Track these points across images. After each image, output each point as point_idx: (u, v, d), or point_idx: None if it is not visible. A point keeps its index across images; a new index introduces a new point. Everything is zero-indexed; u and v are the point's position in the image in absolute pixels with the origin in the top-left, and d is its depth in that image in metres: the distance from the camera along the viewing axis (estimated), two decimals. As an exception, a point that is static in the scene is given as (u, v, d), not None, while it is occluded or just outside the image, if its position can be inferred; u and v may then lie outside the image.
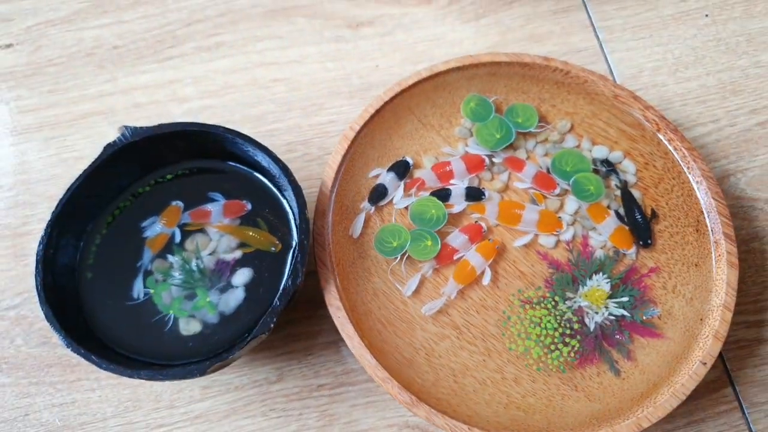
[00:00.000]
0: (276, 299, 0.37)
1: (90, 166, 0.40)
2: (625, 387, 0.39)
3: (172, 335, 0.39)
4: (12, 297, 0.46)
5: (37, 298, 0.44)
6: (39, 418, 0.43)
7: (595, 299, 0.41)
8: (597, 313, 0.41)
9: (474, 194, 0.44)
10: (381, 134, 0.45)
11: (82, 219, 0.41)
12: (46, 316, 0.36)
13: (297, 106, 0.51)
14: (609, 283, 0.41)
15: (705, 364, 0.38)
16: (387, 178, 0.44)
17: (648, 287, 0.42)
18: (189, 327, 0.40)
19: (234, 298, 0.40)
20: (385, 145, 0.45)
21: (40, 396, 0.43)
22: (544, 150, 0.46)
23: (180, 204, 0.42)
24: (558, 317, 0.41)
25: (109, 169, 0.41)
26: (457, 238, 0.43)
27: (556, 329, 0.40)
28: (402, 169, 0.44)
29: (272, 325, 0.36)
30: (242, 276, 0.41)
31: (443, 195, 0.44)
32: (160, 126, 0.41)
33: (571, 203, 0.44)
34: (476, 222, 0.43)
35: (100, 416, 0.43)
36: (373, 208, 0.43)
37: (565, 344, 0.40)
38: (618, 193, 0.44)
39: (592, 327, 0.40)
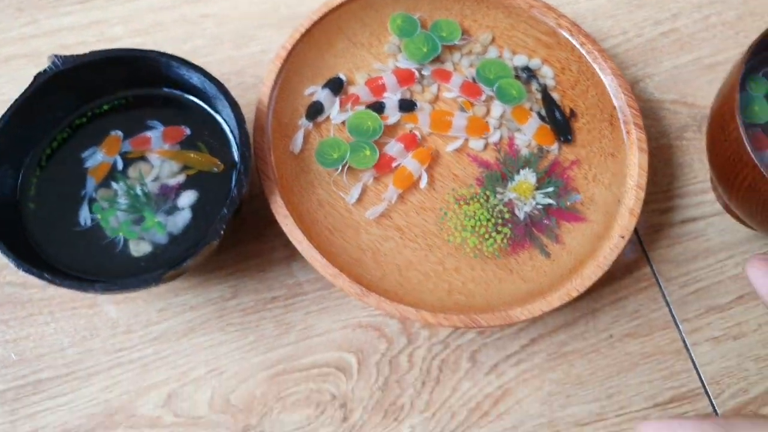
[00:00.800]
0: (224, 208, 0.38)
1: (21, 95, 0.40)
2: (554, 267, 0.43)
3: (124, 257, 0.40)
4: (-48, 242, 0.45)
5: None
6: (-7, 354, 0.43)
7: (523, 191, 0.44)
8: (525, 204, 0.44)
9: (406, 106, 0.46)
10: (313, 53, 0.46)
11: (18, 151, 0.41)
12: None
13: (227, 39, 0.52)
14: (535, 176, 0.45)
15: (623, 237, 0.42)
16: (322, 95, 0.46)
17: (570, 178, 0.45)
18: (139, 248, 0.41)
19: (181, 218, 0.41)
20: (318, 64, 0.47)
21: (-7, 334, 0.43)
22: (468, 61, 0.48)
23: (119, 133, 0.43)
24: (490, 209, 0.44)
25: (42, 99, 0.41)
26: (393, 147, 0.45)
27: (489, 220, 0.44)
28: (336, 86, 0.46)
29: (222, 232, 0.38)
30: (187, 198, 0.42)
31: (378, 108, 0.46)
32: (92, 53, 0.41)
33: (497, 108, 0.47)
34: (410, 131, 0.46)
35: (57, 347, 0.43)
36: (311, 124, 0.45)
37: (498, 232, 0.43)
38: (539, 96, 0.47)
39: (521, 216, 0.44)
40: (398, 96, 0.46)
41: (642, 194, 0.43)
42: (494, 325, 0.39)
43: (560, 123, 0.46)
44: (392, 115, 0.46)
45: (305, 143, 0.45)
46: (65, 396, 0.42)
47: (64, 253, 0.40)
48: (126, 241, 0.40)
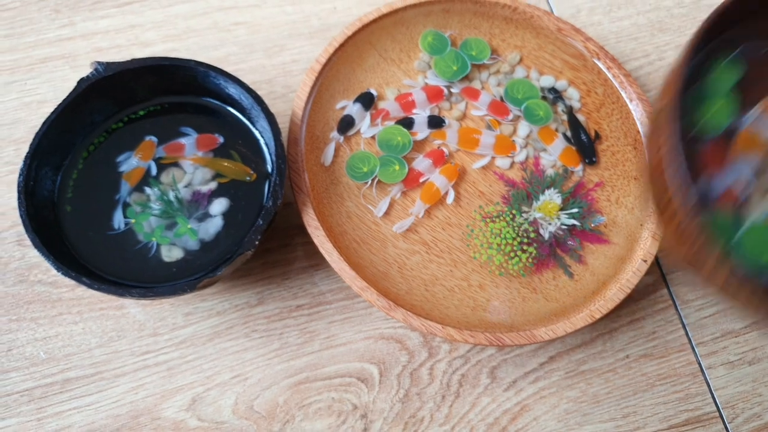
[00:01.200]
0: (259, 219, 0.39)
1: (65, 100, 0.41)
2: (578, 287, 0.44)
3: (156, 262, 0.41)
4: (-17, 240, 0.46)
5: (9, 238, 0.45)
6: (23, 352, 0.43)
7: (548, 211, 0.45)
8: (550, 223, 0.45)
9: (435, 122, 0.47)
10: (345, 68, 0.47)
11: (58, 153, 0.42)
12: (34, 244, 0.37)
13: (259, 47, 0.53)
14: (560, 197, 0.46)
15: (645, 261, 0.43)
16: (354, 109, 0.46)
17: (594, 200, 0.46)
18: (171, 254, 0.41)
19: (213, 225, 0.42)
20: (350, 79, 0.47)
21: (22, 332, 0.44)
22: (496, 81, 0.49)
23: (154, 139, 0.43)
24: (516, 228, 0.45)
25: (83, 104, 0.41)
26: (422, 163, 0.46)
27: (514, 238, 0.44)
28: (367, 100, 0.47)
29: (257, 242, 0.38)
30: (219, 205, 0.43)
31: (407, 123, 0.47)
32: (133, 61, 0.42)
33: (523, 127, 0.48)
34: (439, 147, 0.47)
35: (84, 347, 0.44)
36: (342, 137, 0.46)
37: (523, 251, 0.44)
38: (564, 117, 0.48)
39: (546, 236, 0.45)
40: (427, 112, 0.47)
41: (665, 219, 0.44)
42: (519, 344, 0.40)
43: (585, 145, 0.47)
44: (421, 131, 0.47)
45: (336, 156, 0.45)
46: (91, 396, 0.43)
47: (98, 255, 0.41)
48: (158, 246, 0.41)
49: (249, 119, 0.44)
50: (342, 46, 0.46)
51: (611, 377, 0.46)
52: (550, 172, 0.47)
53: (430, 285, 0.43)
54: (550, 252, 0.44)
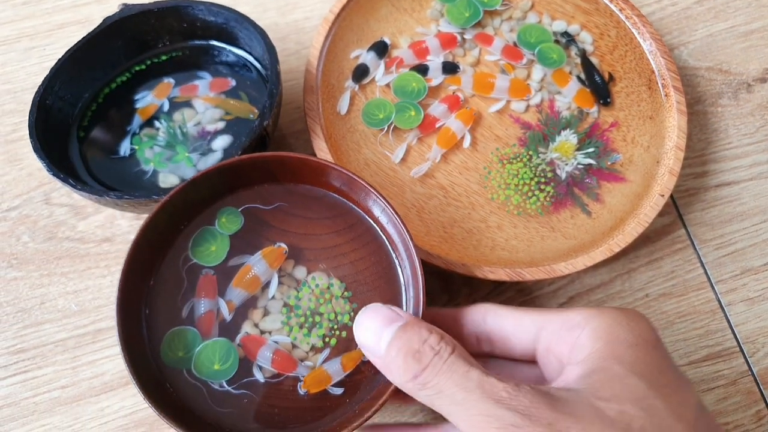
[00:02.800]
0: (243, 136, 0.40)
1: (89, 33, 0.43)
2: (596, 225, 0.44)
3: (151, 185, 0.43)
4: (11, 199, 0.47)
5: (37, 197, 0.46)
6: (55, 305, 0.45)
7: (565, 151, 0.45)
8: (567, 163, 0.45)
9: (450, 68, 0.47)
10: (358, 18, 0.48)
11: (79, 84, 0.44)
12: (34, 148, 0.39)
13: (272, 5, 0.53)
14: (576, 137, 0.46)
15: (663, 195, 0.43)
16: (368, 58, 0.47)
17: (610, 140, 0.46)
18: (167, 180, 0.43)
19: (213, 159, 0.44)
20: (363, 29, 0.48)
21: (53, 286, 0.45)
22: (509, 26, 0.49)
23: (171, 80, 0.45)
24: (533, 168, 0.45)
25: (106, 40, 0.44)
26: (437, 108, 0.46)
27: (531, 179, 0.45)
28: (381, 49, 0.47)
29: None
30: (221, 141, 0.44)
31: (422, 69, 0.47)
32: (155, 3, 0.44)
33: (537, 71, 0.48)
34: (454, 93, 0.47)
35: (113, 299, 0.45)
36: (357, 86, 0.46)
37: (541, 191, 0.45)
38: (578, 61, 0.48)
39: (563, 175, 0.45)
40: (441, 59, 0.48)
41: (681, 155, 0.44)
42: (538, 278, 0.41)
43: (599, 86, 0.47)
44: (436, 77, 0.47)
45: (351, 104, 0.46)
46: (123, 345, 0.44)
47: (99, 175, 0.43)
48: (156, 172, 0.43)
49: (258, 61, 0.45)
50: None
51: (631, 316, 0.46)
52: (565, 114, 0.47)
53: (449, 227, 0.43)
54: (568, 191, 0.45)
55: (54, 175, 0.39)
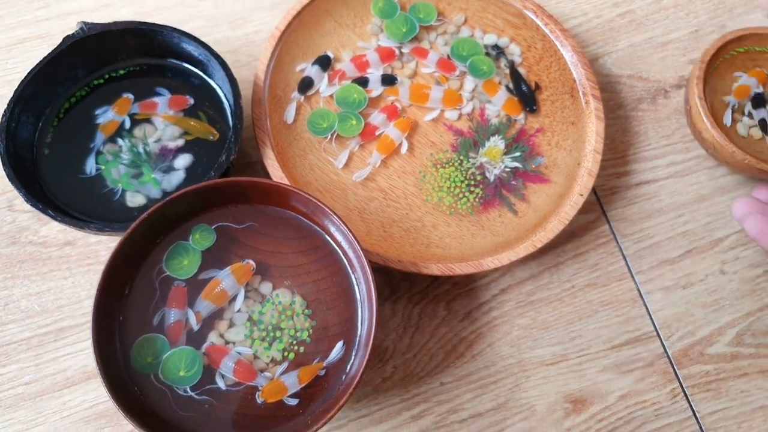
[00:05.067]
0: (211, 171, 0.43)
1: (49, 53, 0.45)
2: (521, 223, 0.48)
3: (119, 205, 0.45)
4: (-25, 207, 0.50)
5: (0, 204, 0.49)
6: (18, 306, 0.47)
7: (493, 155, 0.49)
8: (495, 167, 0.49)
9: (388, 80, 0.51)
10: (303, 34, 0.51)
11: (41, 101, 0.46)
12: (9, 177, 0.42)
13: (224, 20, 0.57)
14: (503, 142, 0.50)
15: (582, 195, 0.48)
16: (312, 71, 0.50)
17: (536, 144, 0.51)
18: (135, 200, 0.46)
19: (176, 178, 0.46)
20: (308, 44, 0.51)
21: (17, 288, 0.48)
22: (443, 40, 0.53)
23: (131, 96, 0.48)
24: (464, 172, 0.49)
25: (66, 59, 0.46)
26: (377, 117, 0.50)
27: (462, 181, 0.49)
28: (325, 62, 0.51)
29: None
30: (183, 160, 0.47)
31: (362, 82, 0.51)
32: (115, 23, 0.46)
33: (469, 82, 0.52)
34: (392, 103, 0.51)
35: (75, 299, 0.48)
36: (302, 97, 0.50)
37: (471, 192, 0.49)
38: (507, 71, 0.53)
39: (492, 178, 0.49)
40: (381, 71, 0.51)
41: (599, 157, 0.49)
42: (467, 272, 0.45)
43: (526, 95, 0.52)
44: (375, 88, 0.51)
45: (297, 114, 0.49)
46: (84, 342, 0.47)
47: (69, 196, 0.45)
48: (124, 191, 0.46)
49: (216, 83, 0.48)
50: (299, 13, 0.50)
51: (558, 306, 0.50)
52: (494, 121, 0.51)
53: (388, 227, 0.47)
54: (496, 192, 0.49)
55: (33, 206, 0.41)
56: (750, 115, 0.52)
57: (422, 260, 0.45)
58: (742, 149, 0.48)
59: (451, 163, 0.49)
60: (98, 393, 0.46)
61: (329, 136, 0.49)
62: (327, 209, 0.41)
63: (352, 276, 0.42)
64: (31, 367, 0.46)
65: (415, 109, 0.51)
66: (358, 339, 0.41)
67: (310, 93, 0.50)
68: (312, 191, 0.47)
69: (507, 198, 0.49)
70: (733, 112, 0.51)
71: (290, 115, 0.49)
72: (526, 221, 0.48)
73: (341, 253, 0.43)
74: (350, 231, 0.40)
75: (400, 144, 0.50)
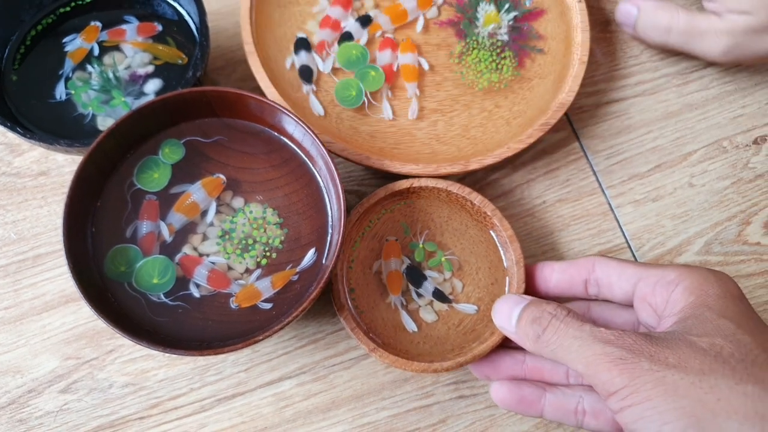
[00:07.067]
0: (179, 87, 0.43)
1: None
2: (552, 60, 0.53)
3: (91, 129, 0.45)
4: (-52, 141, 0.50)
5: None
6: (-5, 234, 0.48)
7: (492, 20, 0.53)
8: (501, 27, 0.53)
9: (364, 20, 0.51)
10: (266, 35, 0.49)
11: (6, 27, 0.46)
12: None
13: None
14: (490, 4, 0.53)
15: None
16: (301, 58, 0.49)
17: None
18: (106, 123, 0.46)
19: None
20: (277, 40, 0.50)
21: (-7, 217, 0.48)
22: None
23: (98, 24, 0.48)
24: (485, 47, 0.52)
25: None
26: (384, 56, 0.51)
27: (491, 54, 0.52)
28: (305, 45, 0.50)
29: None
30: (153, 85, 0.47)
31: (347, 36, 0.51)
32: None
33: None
34: (383, 36, 0.51)
35: (51, 226, 0.48)
36: (313, 85, 0.49)
37: (504, 57, 0.52)
38: None
39: (506, 37, 0.53)
40: (353, 19, 0.51)
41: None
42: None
43: None
44: (361, 35, 0.51)
45: (321, 102, 0.49)
46: (61, 267, 0.47)
47: (40, 121, 0.45)
48: (94, 116, 0.46)
49: (183, 8, 0.48)
50: (253, 20, 0.48)
51: (530, 220, 0.51)
52: None
53: (466, 132, 0.50)
54: (518, 45, 0.52)
55: (1, 124, 0.41)
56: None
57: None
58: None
59: (469, 49, 0.52)
60: (77, 316, 0.46)
61: (365, 101, 0.49)
62: (294, 118, 0.41)
63: (322, 185, 0.43)
64: (10, 292, 0.47)
65: (402, 29, 0.52)
66: (328, 245, 0.42)
67: (315, 78, 0.50)
68: (384, 151, 0.48)
69: (527, 44, 0.52)
70: None
71: (317, 107, 0.48)
72: (552, 57, 0.53)
73: (311, 165, 0.43)
74: (316, 136, 0.41)
75: (420, 64, 0.51)
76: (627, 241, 0.51)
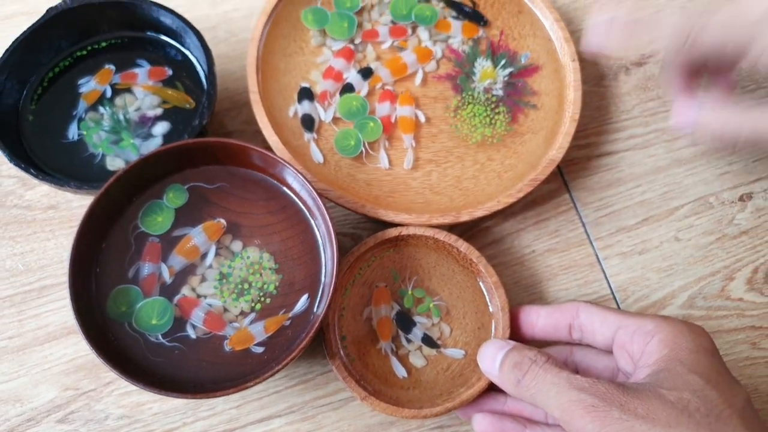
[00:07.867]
0: (185, 134, 0.46)
1: (34, 23, 0.47)
2: (545, 116, 0.55)
3: (100, 169, 0.48)
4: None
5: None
6: (3, 265, 0.50)
7: (488, 75, 0.55)
8: (496, 82, 0.55)
9: (366, 73, 0.54)
10: (272, 84, 0.52)
11: (26, 70, 0.49)
12: None
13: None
14: (486, 60, 0.55)
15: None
16: (305, 108, 0.52)
17: (506, 46, 0.56)
18: (114, 163, 0.48)
19: (153, 144, 0.49)
20: (282, 88, 0.52)
21: (2, 248, 0.50)
22: (380, 12, 0.56)
23: (112, 67, 0.50)
24: (480, 101, 0.54)
25: (50, 30, 0.48)
26: (383, 108, 0.53)
27: (485, 109, 0.54)
28: (308, 95, 0.52)
29: None
30: (161, 127, 0.49)
31: (349, 88, 0.53)
32: None
33: (424, 32, 0.56)
34: (383, 88, 0.54)
35: (57, 259, 0.50)
36: (314, 134, 0.51)
37: (498, 113, 0.54)
38: (443, 5, 0.57)
39: (501, 93, 0.55)
40: (354, 70, 0.54)
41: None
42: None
43: (471, 14, 0.56)
44: (362, 87, 0.53)
45: (321, 151, 0.51)
46: (65, 300, 0.48)
47: (53, 160, 0.47)
48: (104, 156, 0.48)
49: (193, 55, 0.51)
50: (259, 68, 0.51)
51: (519, 269, 0.53)
52: (464, 49, 0.56)
53: (458, 183, 0.52)
54: (512, 100, 0.54)
55: (15, 165, 0.44)
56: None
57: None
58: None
59: (465, 103, 0.54)
60: (78, 347, 0.48)
61: (362, 150, 0.51)
62: (294, 170, 0.43)
63: (317, 233, 0.45)
64: (15, 322, 0.48)
65: (402, 82, 0.54)
66: (320, 292, 0.44)
67: (316, 127, 0.51)
68: (380, 199, 0.50)
69: (521, 99, 0.54)
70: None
71: (317, 155, 0.50)
72: (545, 113, 0.54)
73: (307, 213, 0.45)
74: (313, 188, 0.43)
75: (416, 116, 0.53)
76: (612, 293, 0.53)
